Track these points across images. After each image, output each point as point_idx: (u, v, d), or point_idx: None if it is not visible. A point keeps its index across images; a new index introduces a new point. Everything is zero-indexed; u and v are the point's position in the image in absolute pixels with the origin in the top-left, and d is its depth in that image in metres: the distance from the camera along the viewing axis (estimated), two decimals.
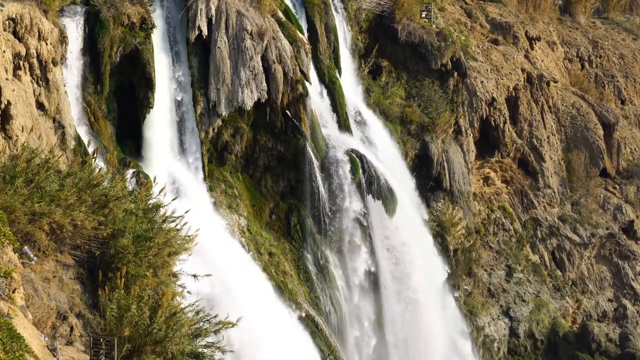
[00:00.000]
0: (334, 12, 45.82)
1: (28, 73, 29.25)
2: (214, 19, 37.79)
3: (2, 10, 27.90)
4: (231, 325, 21.12)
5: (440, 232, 47.48)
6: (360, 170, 41.44)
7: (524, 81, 55.98)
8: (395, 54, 49.80)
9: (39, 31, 29.55)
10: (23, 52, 28.78)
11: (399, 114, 47.79)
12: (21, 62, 28.85)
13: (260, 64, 38.38)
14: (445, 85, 49.82)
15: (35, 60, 29.58)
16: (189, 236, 22.77)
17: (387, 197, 42.21)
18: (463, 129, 50.48)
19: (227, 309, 22.93)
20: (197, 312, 20.62)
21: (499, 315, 50.83)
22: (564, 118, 58.99)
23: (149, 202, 23.22)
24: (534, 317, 51.65)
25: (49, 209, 19.83)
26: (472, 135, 51.74)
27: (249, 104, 38.08)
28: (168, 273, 22.07)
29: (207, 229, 30.27)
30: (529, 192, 55.34)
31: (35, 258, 19.35)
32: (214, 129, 38.02)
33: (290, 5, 43.11)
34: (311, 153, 39.89)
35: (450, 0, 58.99)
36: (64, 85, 31.74)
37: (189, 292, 22.50)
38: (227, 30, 38.00)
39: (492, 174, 54.50)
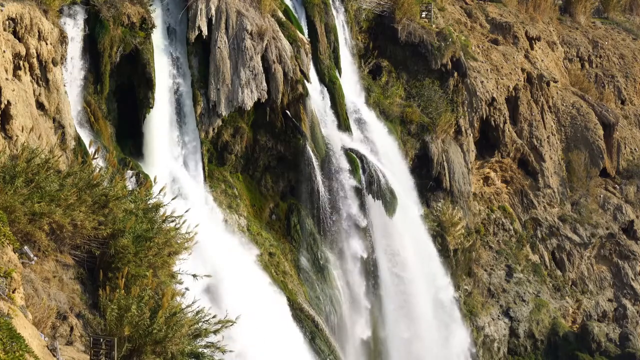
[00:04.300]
0: (334, 12, 45.81)
1: (28, 73, 29.25)
2: (214, 19, 37.80)
3: (2, 10, 27.90)
4: (231, 324, 21.13)
5: (440, 232, 47.47)
6: (360, 170, 41.45)
7: (524, 81, 55.97)
8: (395, 54, 49.78)
9: (39, 31, 29.54)
10: (23, 52, 28.78)
11: (399, 114, 47.78)
12: (21, 62, 28.85)
13: (260, 64, 38.39)
14: (445, 85, 49.81)
15: (35, 60, 29.58)
16: (188, 233, 22.80)
17: (387, 197, 42.23)
18: (463, 129, 50.46)
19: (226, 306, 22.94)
20: (197, 312, 20.63)
21: (499, 315, 50.82)
22: (564, 118, 58.98)
23: (148, 202, 23.24)
24: (534, 317, 51.64)
25: (49, 209, 19.83)
26: (472, 135, 51.73)
27: (249, 104, 38.09)
28: (168, 273, 22.09)
29: (207, 228, 30.30)
30: (529, 192, 55.34)
31: (35, 258, 19.35)
32: (214, 129, 38.03)
33: (290, 5, 43.11)
34: (311, 153, 39.89)
35: (450, 0, 58.97)
36: (64, 85, 31.74)
37: (187, 288, 22.53)
38: (227, 30, 38.00)
39: (492, 174, 54.50)
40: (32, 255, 19.14)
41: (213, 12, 37.72)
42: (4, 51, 27.45)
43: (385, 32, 49.40)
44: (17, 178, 19.92)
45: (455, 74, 50.12)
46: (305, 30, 43.08)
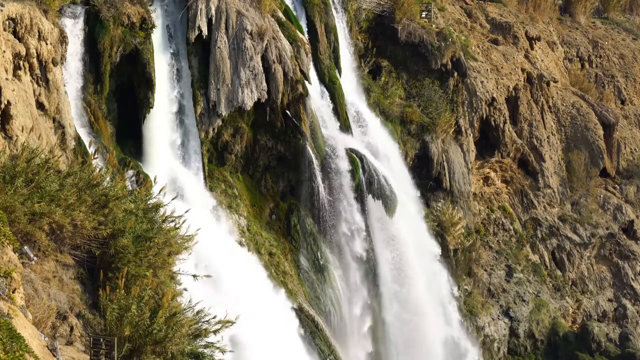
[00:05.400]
0: (334, 12, 45.81)
1: (28, 73, 29.25)
2: (214, 19, 37.80)
3: (2, 10, 27.90)
4: (231, 324, 21.13)
5: (440, 232, 47.47)
6: (360, 170, 41.45)
7: (524, 81, 55.98)
8: (395, 54, 49.77)
9: (39, 31, 29.55)
10: (23, 52, 28.78)
11: (399, 114, 47.79)
12: (21, 62, 28.85)
13: (260, 64, 38.39)
14: (445, 85, 49.81)
15: (35, 60, 29.58)
16: (188, 235, 22.80)
17: (387, 197, 42.23)
18: (463, 129, 50.47)
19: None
20: (197, 312, 20.63)
21: (499, 315, 50.83)
22: (564, 118, 58.99)
23: (148, 202, 23.24)
24: (534, 317, 51.64)
25: (49, 209, 19.83)
26: (472, 135, 51.74)
27: (249, 104, 38.09)
28: (168, 273, 22.09)
29: (207, 228, 30.27)
30: (529, 192, 55.34)
31: (35, 258, 19.35)
32: (214, 129, 38.03)
33: (290, 5, 43.11)
34: (311, 153, 39.90)
35: (450, 0, 58.98)
36: (64, 85, 31.74)
37: (185, 289, 22.54)
38: (227, 30, 38.00)
39: (492, 174, 54.50)
40: (32, 255, 19.14)
41: (213, 12, 37.72)
42: (4, 51, 27.45)
43: (385, 32, 49.40)
44: (17, 178, 19.92)
45: (455, 74, 50.13)
46: (305, 30, 43.09)
